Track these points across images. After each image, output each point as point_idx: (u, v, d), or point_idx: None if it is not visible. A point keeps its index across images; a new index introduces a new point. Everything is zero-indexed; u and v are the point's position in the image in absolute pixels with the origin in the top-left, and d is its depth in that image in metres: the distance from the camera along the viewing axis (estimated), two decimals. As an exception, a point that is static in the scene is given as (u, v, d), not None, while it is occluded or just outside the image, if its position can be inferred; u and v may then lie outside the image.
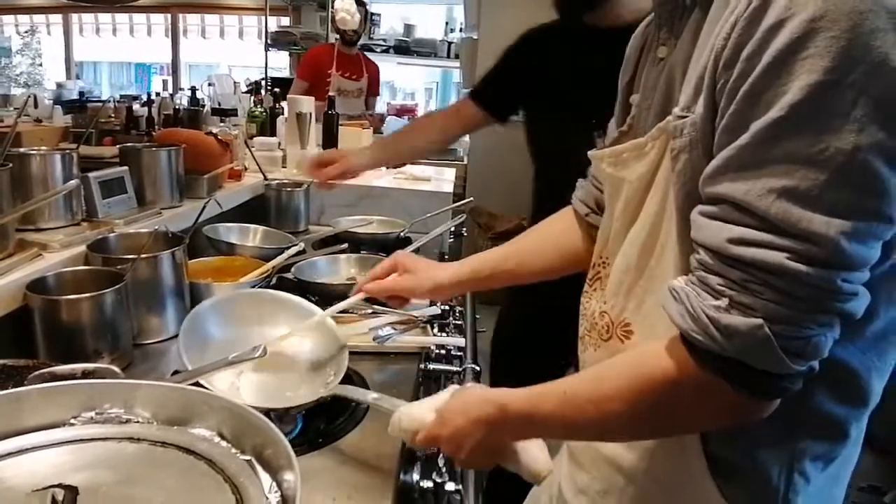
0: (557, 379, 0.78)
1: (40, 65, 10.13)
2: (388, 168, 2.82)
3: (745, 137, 0.60)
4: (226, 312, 1.17)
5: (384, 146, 2.14)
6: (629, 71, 0.92)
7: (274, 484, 0.63)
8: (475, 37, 5.01)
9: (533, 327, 2.02)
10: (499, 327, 2.18)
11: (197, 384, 0.89)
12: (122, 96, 4.57)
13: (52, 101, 4.24)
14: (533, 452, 0.85)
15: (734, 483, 0.79)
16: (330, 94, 3.17)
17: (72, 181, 1.35)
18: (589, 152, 0.94)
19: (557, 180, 1.88)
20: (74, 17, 9.63)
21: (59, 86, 6.45)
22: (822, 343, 0.61)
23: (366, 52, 5.10)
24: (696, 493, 0.80)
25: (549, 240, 1.15)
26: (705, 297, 0.63)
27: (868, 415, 0.80)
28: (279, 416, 1.05)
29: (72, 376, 0.87)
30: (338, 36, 4.66)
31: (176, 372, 1.04)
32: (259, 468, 0.65)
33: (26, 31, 10.05)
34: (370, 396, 0.98)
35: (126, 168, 1.63)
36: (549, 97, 1.85)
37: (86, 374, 0.88)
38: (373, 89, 4.83)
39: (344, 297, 1.52)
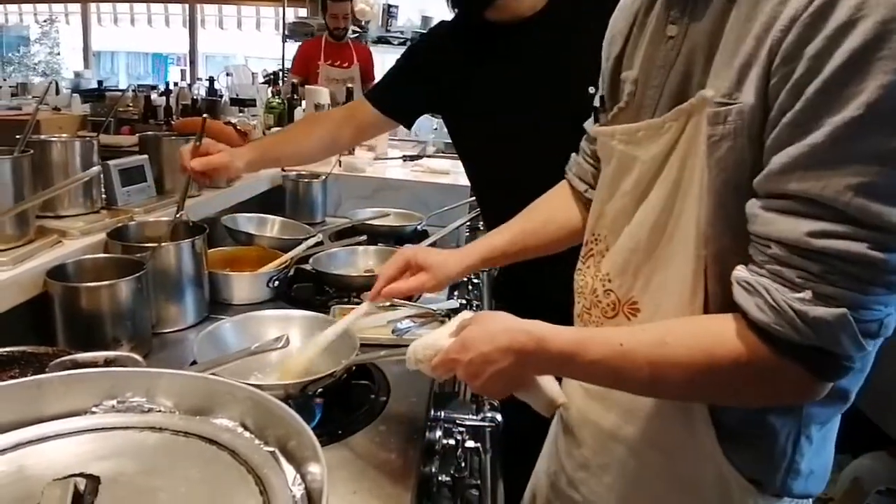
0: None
1: (58, 54, 10.20)
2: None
3: (818, 135, 0.61)
4: (242, 328, 1.17)
5: (263, 149, 1.72)
6: (618, 46, 0.91)
7: (298, 476, 0.62)
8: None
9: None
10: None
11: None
12: (139, 86, 4.58)
13: (70, 90, 4.26)
14: (550, 383, 0.86)
15: (741, 448, 0.81)
16: (348, 86, 3.16)
17: (93, 168, 1.35)
18: (593, 128, 0.94)
19: (488, 178, 1.84)
20: (93, 6, 9.66)
21: (77, 75, 6.48)
22: (891, 321, 0.64)
23: (381, 45, 5.09)
24: (701, 459, 0.82)
25: (550, 218, 1.15)
26: (784, 290, 0.64)
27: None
28: (298, 406, 1.05)
29: (94, 364, 0.86)
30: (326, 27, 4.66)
31: (194, 362, 1.04)
32: (283, 460, 0.64)
33: (45, 21, 10.11)
34: (381, 352, 1.01)
35: (146, 156, 1.63)
36: (463, 96, 1.68)
37: (107, 362, 0.87)
38: (368, 75, 4.82)
39: (362, 288, 1.52)
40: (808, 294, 0.62)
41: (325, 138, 1.75)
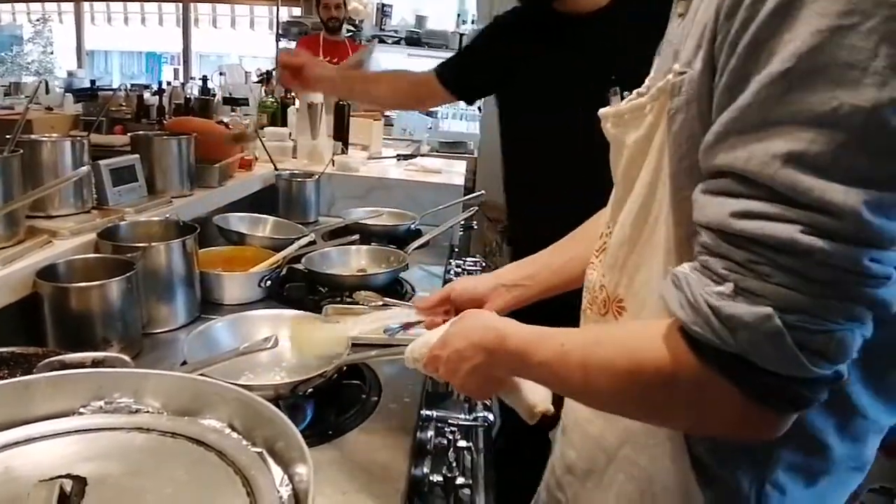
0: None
1: (51, 53, 10.16)
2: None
3: (745, 97, 0.51)
4: (233, 328, 1.17)
5: (347, 78, 2.09)
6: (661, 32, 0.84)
7: (285, 477, 0.62)
8: (487, 29, 4.97)
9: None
10: None
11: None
12: (132, 85, 4.56)
13: (63, 90, 4.25)
14: (532, 387, 0.85)
15: (711, 485, 0.71)
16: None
17: (83, 168, 1.34)
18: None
19: (521, 181, 1.91)
20: (86, 5, 9.63)
21: (70, 74, 6.46)
22: (849, 340, 0.51)
23: (381, 43, 5.08)
24: (676, 486, 0.74)
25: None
26: (707, 282, 0.54)
27: (863, 431, 0.71)
28: (289, 406, 1.05)
29: (81, 365, 0.86)
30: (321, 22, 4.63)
31: (185, 363, 1.03)
32: (270, 461, 0.63)
33: (38, 20, 10.07)
34: (372, 352, 1.01)
35: (137, 156, 1.62)
36: (523, 85, 1.78)
37: (95, 363, 0.87)
38: None
39: (354, 288, 1.52)
40: (728, 287, 0.52)
41: (403, 94, 2.02)
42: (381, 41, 5.58)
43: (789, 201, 0.49)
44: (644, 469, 0.77)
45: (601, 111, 0.82)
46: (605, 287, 0.81)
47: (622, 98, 0.79)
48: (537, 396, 0.85)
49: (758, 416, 0.56)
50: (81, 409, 0.71)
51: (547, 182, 1.75)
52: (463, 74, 1.88)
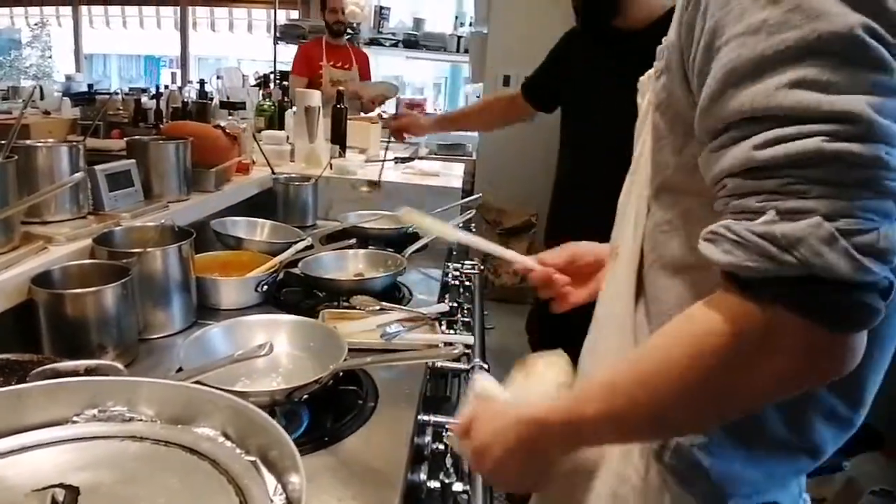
0: None
1: (50, 57, 10.16)
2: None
3: (728, 52, 0.56)
4: (229, 334, 1.16)
5: (443, 125, 2.81)
6: None
7: (279, 486, 0.61)
8: (485, 31, 4.98)
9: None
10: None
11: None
12: (130, 89, 4.57)
13: (60, 94, 4.25)
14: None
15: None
16: (339, 88, 3.15)
17: (77, 174, 1.34)
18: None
19: (561, 185, 2.07)
20: (84, 9, 9.63)
21: (69, 78, 6.46)
22: (893, 236, 0.52)
23: (373, 46, 5.08)
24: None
25: None
26: (746, 223, 0.54)
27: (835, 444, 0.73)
28: (285, 413, 1.04)
29: (75, 373, 0.86)
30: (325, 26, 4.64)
31: (180, 369, 1.03)
32: (264, 469, 0.63)
33: (36, 24, 10.07)
34: (368, 359, 1.02)
35: (133, 161, 1.62)
36: (582, 97, 2.03)
37: (89, 371, 0.87)
38: (364, 77, 4.81)
39: (352, 292, 1.51)
40: (770, 215, 0.53)
41: (496, 121, 2.57)
42: (379, 44, 5.58)
43: (802, 120, 0.52)
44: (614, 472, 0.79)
45: (640, 80, 0.86)
46: (614, 238, 0.89)
47: None
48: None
49: (830, 344, 0.55)
50: (75, 418, 0.71)
51: (599, 184, 1.80)
52: (542, 88, 2.22)
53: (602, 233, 1.07)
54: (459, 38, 5.85)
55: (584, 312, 0.96)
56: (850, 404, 0.71)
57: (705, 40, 0.60)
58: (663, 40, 0.72)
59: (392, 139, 2.82)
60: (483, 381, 0.90)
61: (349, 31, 4.69)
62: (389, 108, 4.74)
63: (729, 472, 0.72)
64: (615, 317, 0.83)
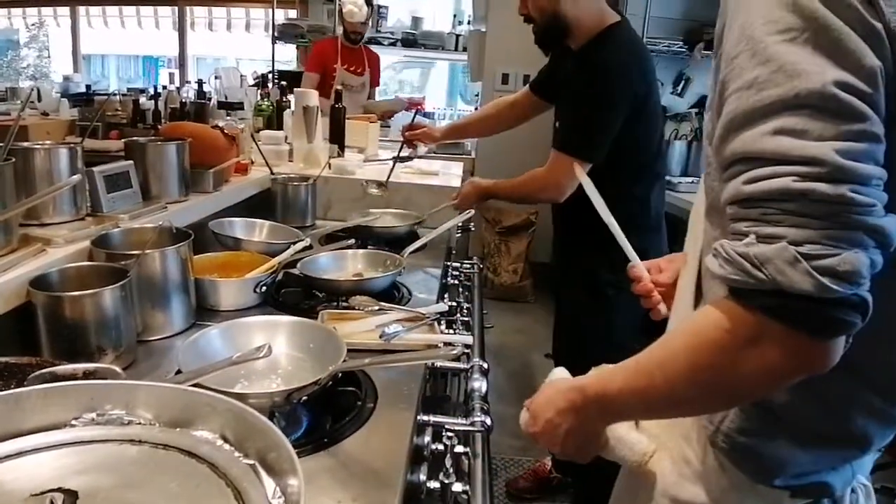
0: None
1: (48, 57, 10.14)
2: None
3: (732, 99, 0.68)
4: (228, 335, 1.16)
5: (453, 133, 2.92)
6: None
7: (278, 489, 0.61)
8: (483, 29, 4.98)
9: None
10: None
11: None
12: (129, 89, 4.55)
13: (59, 94, 4.24)
14: (628, 439, 0.94)
15: None
16: (338, 87, 3.15)
17: (74, 176, 1.34)
18: None
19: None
20: (82, 9, 9.61)
21: (67, 78, 6.45)
22: (857, 262, 0.61)
23: (372, 45, 5.08)
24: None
25: None
26: (735, 243, 0.67)
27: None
28: (285, 415, 1.04)
29: (73, 377, 0.86)
30: (342, 30, 4.65)
31: (179, 371, 1.03)
32: (263, 473, 0.63)
33: (34, 24, 10.06)
34: (366, 360, 1.03)
35: (131, 162, 1.61)
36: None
37: (87, 375, 0.86)
38: (374, 80, 4.82)
39: (351, 292, 1.51)
40: (752, 238, 0.65)
41: (503, 123, 2.61)
42: (377, 42, 5.57)
43: (779, 161, 0.63)
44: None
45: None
46: (686, 247, 1.00)
47: None
48: (636, 448, 0.94)
49: (809, 347, 0.66)
50: (73, 422, 0.71)
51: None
52: (547, 82, 2.34)
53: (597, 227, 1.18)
54: (458, 36, 5.85)
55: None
56: (888, 400, 0.80)
57: (719, 90, 0.72)
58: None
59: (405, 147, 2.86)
60: (557, 372, 1.04)
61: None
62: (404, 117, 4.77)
63: (777, 456, 0.82)
64: (680, 319, 0.96)
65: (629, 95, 1.93)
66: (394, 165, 2.53)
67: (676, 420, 0.95)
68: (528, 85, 2.45)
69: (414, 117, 2.86)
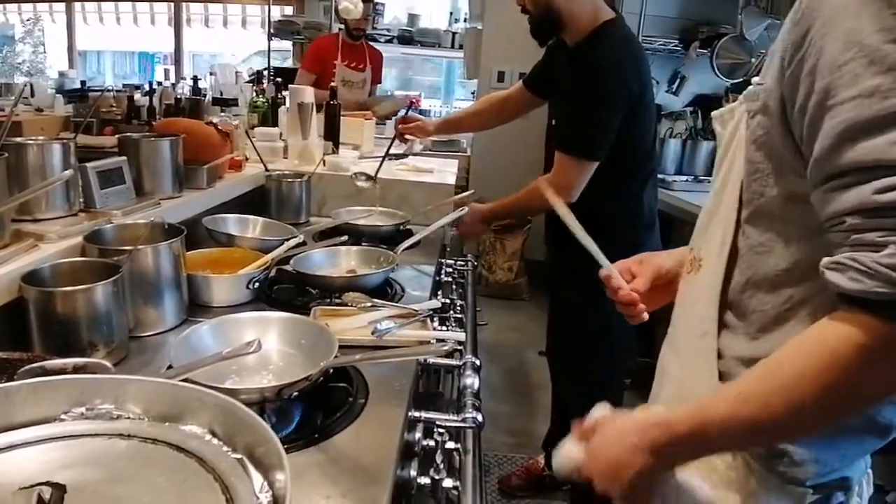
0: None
1: (43, 53, 10.11)
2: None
3: (848, 108, 0.67)
4: (219, 331, 1.16)
5: (447, 127, 2.99)
6: None
7: (265, 483, 0.62)
8: (479, 27, 4.98)
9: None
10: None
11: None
12: (124, 85, 4.55)
13: (53, 90, 4.23)
14: (694, 481, 0.88)
15: None
16: (333, 84, 3.15)
17: (66, 171, 1.34)
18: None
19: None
20: (77, 5, 9.58)
21: (62, 74, 6.43)
22: None
23: (370, 42, 5.07)
24: None
25: None
26: (870, 254, 0.65)
27: None
28: (275, 410, 1.05)
29: (62, 371, 0.86)
30: (342, 26, 4.62)
31: (170, 367, 1.03)
32: (251, 467, 0.63)
33: (29, 20, 10.03)
34: (357, 356, 1.03)
35: (124, 158, 1.61)
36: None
37: (77, 369, 0.86)
38: (376, 77, 4.80)
39: (343, 289, 1.52)
40: (892, 248, 0.63)
41: (495, 118, 2.64)
42: (373, 39, 5.56)
43: None
44: None
45: (713, 113, 1.00)
46: (692, 249, 1.01)
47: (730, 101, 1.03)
48: (700, 494, 0.88)
49: None
50: (63, 416, 0.71)
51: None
52: (541, 77, 2.34)
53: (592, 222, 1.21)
54: (454, 34, 5.85)
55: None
56: None
57: (817, 98, 0.71)
58: (753, 81, 0.86)
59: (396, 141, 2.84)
60: (599, 408, 0.93)
61: (341, 26, 4.67)
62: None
63: (807, 456, 0.84)
64: (696, 319, 0.96)
65: (625, 93, 1.93)
66: (383, 159, 2.53)
67: None
68: (521, 80, 2.46)
69: (407, 111, 2.88)
